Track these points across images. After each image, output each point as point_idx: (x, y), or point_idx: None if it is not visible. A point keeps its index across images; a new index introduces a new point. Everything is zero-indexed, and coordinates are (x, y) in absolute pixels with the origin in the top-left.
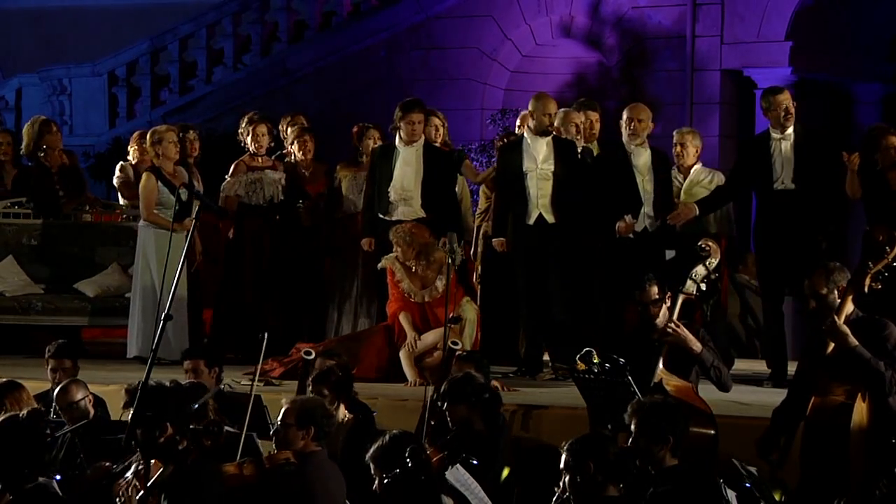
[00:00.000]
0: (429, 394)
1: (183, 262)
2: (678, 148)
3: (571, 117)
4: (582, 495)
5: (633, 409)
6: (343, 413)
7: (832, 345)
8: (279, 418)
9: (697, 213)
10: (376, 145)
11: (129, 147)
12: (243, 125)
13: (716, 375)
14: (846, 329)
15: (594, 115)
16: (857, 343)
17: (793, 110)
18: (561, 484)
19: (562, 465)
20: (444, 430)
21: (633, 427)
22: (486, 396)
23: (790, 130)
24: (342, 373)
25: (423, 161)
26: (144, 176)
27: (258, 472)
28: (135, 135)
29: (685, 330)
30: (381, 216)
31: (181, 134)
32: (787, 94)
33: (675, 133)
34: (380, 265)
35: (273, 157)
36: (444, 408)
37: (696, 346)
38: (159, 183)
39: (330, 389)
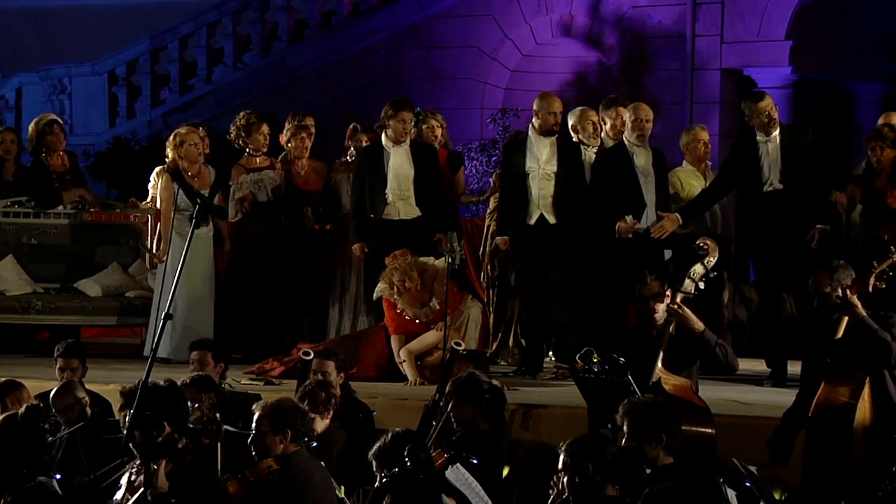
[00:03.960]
0: (429, 393)
1: (183, 263)
2: (708, 146)
3: (588, 115)
4: (581, 496)
5: (623, 411)
6: (326, 426)
7: (840, 331)
8: (253, 426)
9: (681, 222)
10: (360, 146)
11: (167, 150)
12: (241, 124)
13: (722, 354)
14: (856, 300)
15: (625, 112)
16: (864, 314)
17: (776, 115)
18: (559, 484)
19: (560, 466)
20: (447, 429)
21: (624, 428)
22: (489, 395)
23: (775, 133)
24: (324, 393)
25: (413, 158)
26: (164, 178)
27: (243, 486)
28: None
29: (687, 310)
30: (373, 217)
31: None
32: (768, 100)
33: (693, 130)
34: (375, 295)
35: (280, 158)
36: (449, 408)
37: (699, 325)
38: (176, 185)
39: (314, 410)
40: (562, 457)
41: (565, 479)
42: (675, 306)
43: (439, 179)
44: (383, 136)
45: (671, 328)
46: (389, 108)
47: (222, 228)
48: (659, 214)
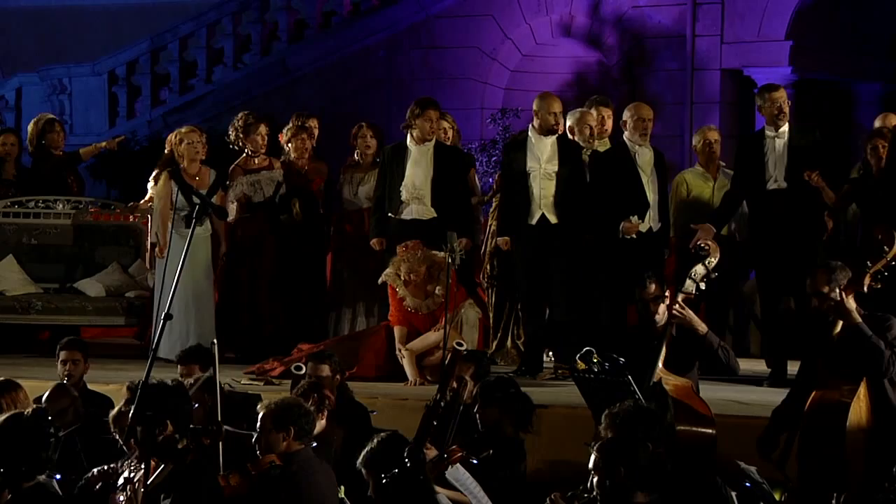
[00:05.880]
0: (429, 393)
1: (183, 262)
2: (714, 145)
3: (586, 118)
4: (610, 499)
5: (607, 422)
6: (322, 428)
7: (836, 331)
8: (258, 425)
9: (715, 230)
10: (369, 144)
11: (172, 148)
12: (239, 126)
13: (723, 355)
14: (852, 305)
15: (607, 112)
16: (860, 320)
17: (786, 109)
18: (589, 483)
19: (591, 465)
20: (461, 430)
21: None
22: (517, 399)
23: (784, 129)
24: (317, 394)
25: (433, 160)
26: (163, 177)
27: (244, 480)
28: (170, 137)
29: (690, 312)
30: (391, 216)
31: None
32: (783, 92)
33: (703, 131)
34: (380, 280)
35: (281, 159)
36: (476, 409)
37: (702, 327)
38: (173, 184)
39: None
40: (593, 456)
41: (595, 480)
42: (678, 307)
43: (461, 184)
44: (408, 135)
45: (672, 329)
46: (416, 107)
47: (219, 229)
48: (692, 227)
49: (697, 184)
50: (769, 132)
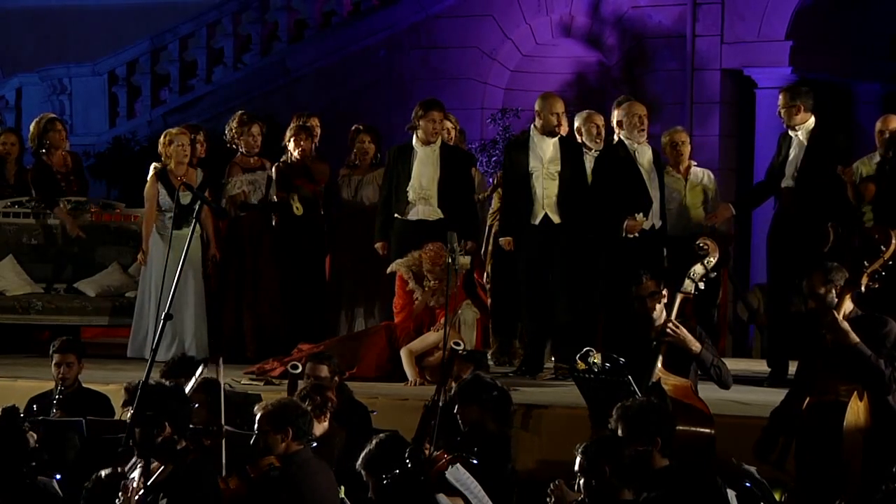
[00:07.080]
0: (429, 393)
1: (183, 263)
2: (680, 147)
3: (593, 119)
4: (597, 498)
5: (617, 415)
6: (325, 429)
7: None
8: (255, 427)
9: (734, 212)
10: (366, 149)
11: (160, 149)
12: (234, 125)
13: (716, 374)
14: (847, 326)
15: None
16: (857, 340)
17: (785, 115)
18: (575, 486)
19: (576, 468)
20: (446, 430)
21: (619, 432)
22: (495, 396)
23: (805, 128)
24: (320, 396)
25: (440, 161)
26: (150, 179)
27: (244, 482)
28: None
29: (684, 330)
30: (398, 217)
31: (192, 135)
32: (780, 99)
33: (670, 132)
34: (389, 269)
35: (283, 158)
36: (455, 410)
37: (696, 345)
38: (159, 185)
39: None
40: (578, 459)
41: (581, 482)
42: (671, 327)
43: (467, 185)
44: (414, 136)
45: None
46: (420, 108)
47: (208, 230)
48: (713, 204)
49: (667, 185)
50: (790, 133)
